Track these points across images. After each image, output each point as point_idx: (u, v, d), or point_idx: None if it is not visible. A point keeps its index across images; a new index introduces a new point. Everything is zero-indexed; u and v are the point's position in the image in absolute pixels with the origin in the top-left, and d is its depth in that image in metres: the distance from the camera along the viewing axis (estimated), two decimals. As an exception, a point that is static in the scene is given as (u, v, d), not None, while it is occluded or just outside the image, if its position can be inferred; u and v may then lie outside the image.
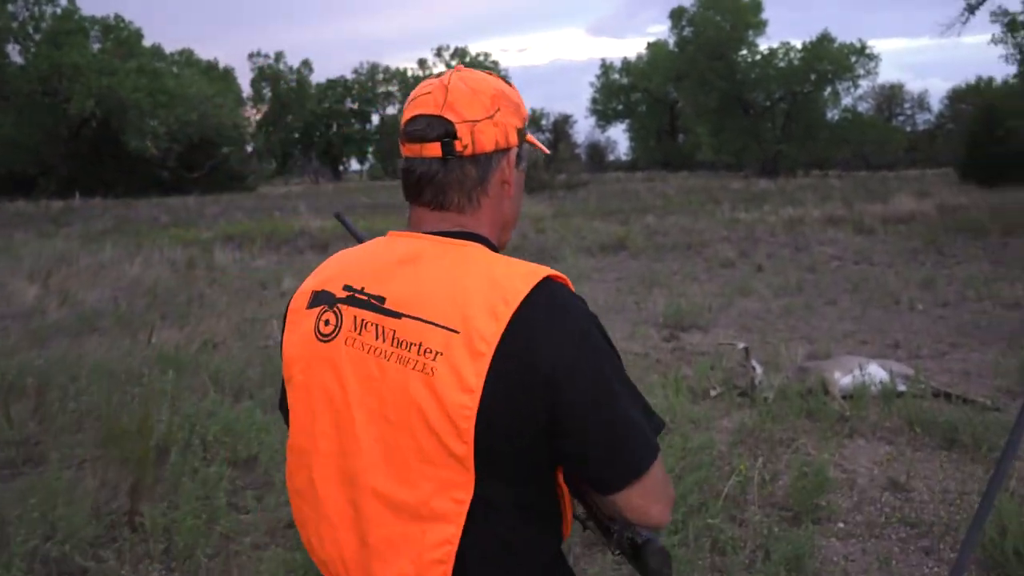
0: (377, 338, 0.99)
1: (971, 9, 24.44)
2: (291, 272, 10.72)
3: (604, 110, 55.69)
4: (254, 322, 7.39)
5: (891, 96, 53.19)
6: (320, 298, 1.06)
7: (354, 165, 69.57)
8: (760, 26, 37.23)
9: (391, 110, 60.98)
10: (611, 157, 61.49)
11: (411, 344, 0.95)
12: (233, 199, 28.37)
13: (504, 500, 0.97)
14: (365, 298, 1.02)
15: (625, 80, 53.72)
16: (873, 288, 8.94)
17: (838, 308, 8.39)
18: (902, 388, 4.59)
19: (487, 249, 1.03)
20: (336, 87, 59.84)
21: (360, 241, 1.20)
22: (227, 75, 52.36)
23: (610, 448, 0.96)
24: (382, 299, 1.00)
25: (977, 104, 28.13)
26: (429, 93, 1.04)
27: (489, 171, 1.05)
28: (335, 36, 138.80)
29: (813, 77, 36.39)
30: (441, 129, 1.02)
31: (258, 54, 57.11)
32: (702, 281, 10.45)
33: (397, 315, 0.98)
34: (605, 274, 11.41)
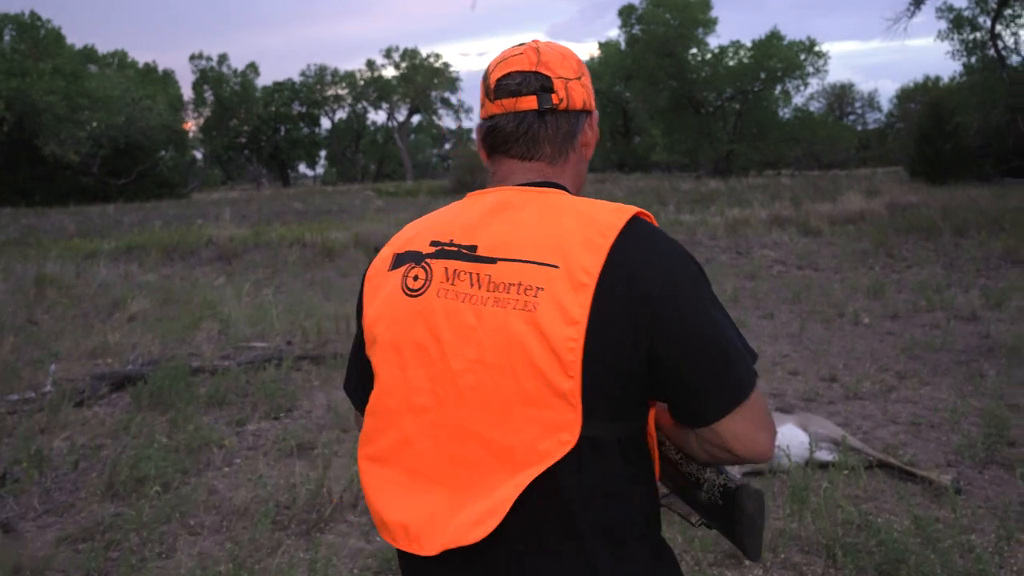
0: (472, 285, 0.98)
1: (917, 3, 24.05)
2: (149, 292, 9.37)
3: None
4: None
5: (841, 95, 53.29)
6: (404, 258, 1.06)
7: (304, 170, 67.91)
8: (710, 24, 36.67)
9: (341, 114, 59.45)
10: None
11: (509, 285, 0.95)
12: (158, 207, 26.78)
13: (607, 440, 0.96)
14: (455, 249, 1.01)
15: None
16: (816, 298, 7.97)
17: (774, 323, 7.41)
18: (827, 457, 3.52)
19: (571, 195, 1.04)
20: (283, 90, 57.92)
21: None
22: (166, 78, 50.42)
23: (714, 371, 0.94)
24: (474, 247, 1.00)
25: (925, 102, 27.83)
26: (521, 54, 1.07)
27: (577, 128, 1.09)
28: (282, 41, 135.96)
29: (763, 75, 35.95)
30: (538, 84, 1.05)
31: (200, 56, 55.02)
32: (630, 292, 9.42)
33: (491, 260, 0.98)
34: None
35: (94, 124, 29.82)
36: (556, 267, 0.93)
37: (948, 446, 3.85)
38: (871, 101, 54.80)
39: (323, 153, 62.63)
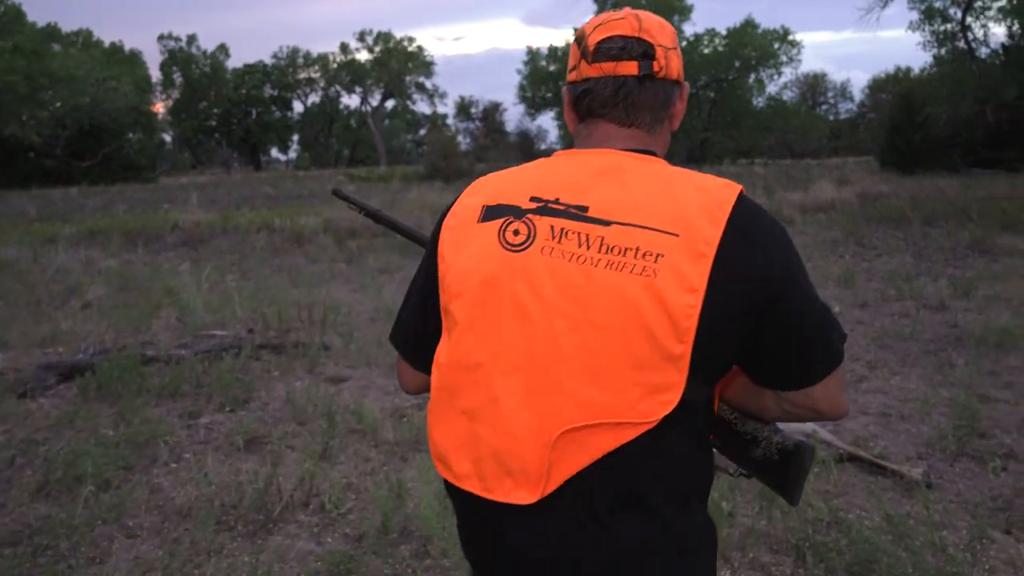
0: (580, 246, 0.98)
1: (890, -8, 24.14)
2: (108, 278, 9.08)
3: (533, 97, 54.53)
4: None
5: (814, 85, 53.62)
6: (499, 211, 1.04)
7: (276, 154, 66.96)
8: (685, 12, 36.64)
9: (314, 97, 58.59)
10: (543, 146, 60.64)
11: (625, 249, 0.95)
12: (124, 191, 26.17)
13: (699, 402, 0.99)
14: (562, 207, 1.01)
15: (553, 67, 52.66)
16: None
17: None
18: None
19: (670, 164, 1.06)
20: (254, 72, 56.90)
21: (367, 209, 1.49)
22: (133, 58, 49.23)
23: (818, 339, 0.99)
24: (584, 208, 1.00)
25: (896, 92, 28.04)
26: (622, 18, 1.06)
27: (672, 97, 1.09)
28: (253, 22, 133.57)
29: (738, 64, 36.03)
30: (640, 49, 1.04)
31: (169, 36, 53.81)
32: (602, 280, 9.31)
33: (605, 222, 0.98)
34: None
35: (57, 104, 29.02)
36: (676, 235, 0.95)
37: (919, 438, 3.79)
38: (843, 91, 55.30)
39: (296, 137, 61.76)
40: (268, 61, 57.30)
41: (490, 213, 1.05)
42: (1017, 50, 23.05)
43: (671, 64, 1.06)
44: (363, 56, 55.47)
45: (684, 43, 36.69)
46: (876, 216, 12.04)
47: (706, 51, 36.78)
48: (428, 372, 1.09)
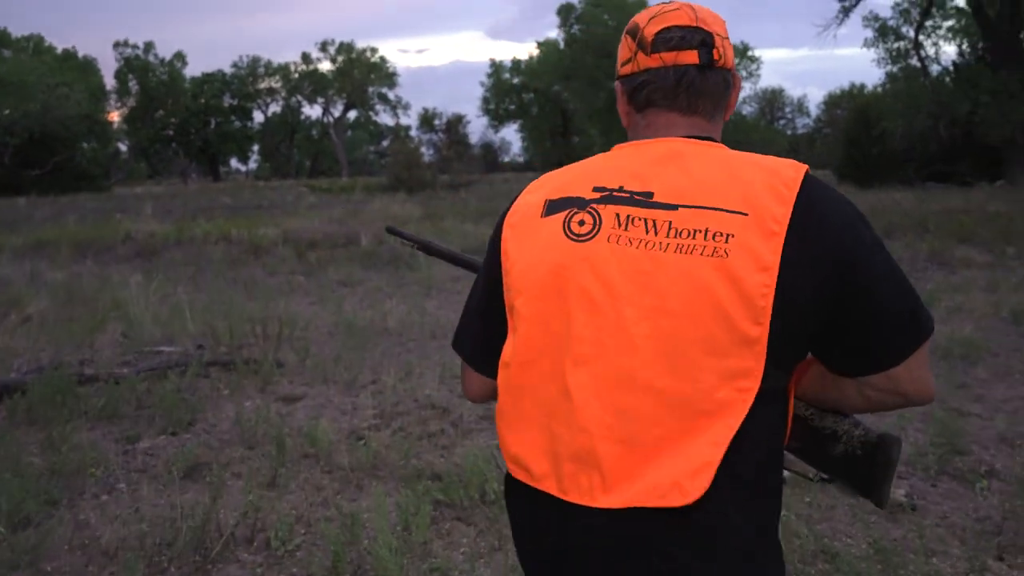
0: (648, 232, 0.96)
1: (845, 11, 24.65)
2: (53, 291, 8.64)
3: (496, 110, 54.55)
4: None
5: (772, 100, 54.56)
6: (562, 203, 1.03)
7: (236, 165, 65.90)
8: (647, 26, 36.93)
9: (274, 107, 57.79)
10: (506, 158, 60.70)
11: (694, 231, 0.94)
12: (75, 200, 25.33)
13: (776, 391, 0.96)
14: (627, 195, 1.00)
15: (516, 80, 52.79)
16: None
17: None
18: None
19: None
20: (213, 81, 55.98)
21: (420, 242, 1.49)
22: (87, 65, 48.08)
23: (902, 311, 0.95)
24: (649, 194, 0.99)
25: (852, 108, 28.60)
26: (678, 9, 1.06)
27: (729, 86, 1.09)
28: (212, 31, 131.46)
29: (699, 78, 36.44)
30: (699, 38, 1.04)
31: (125, 44, 52.68)
32: (567, 292, 9.14)
33: (671, 207, 0.97)
34: (461, 284, 9.93)
35: (5, 111, 28.02)
36: (745, 214, 0.93)
37: (897, 457, 3.66)
38: (800, 106, 56.36)
39: (256, 148, 60.85)
40: (228, 70, 56.50)
41: (553, 207, 1.04)
42: (967, 68, 23.67)
43: (727, 53, 1.06)
44: (325, 66, 54.99)
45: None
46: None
47: (668, 65, 37.14)
48: (493, 376, 1.08)
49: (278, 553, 2.73)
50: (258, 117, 58.22)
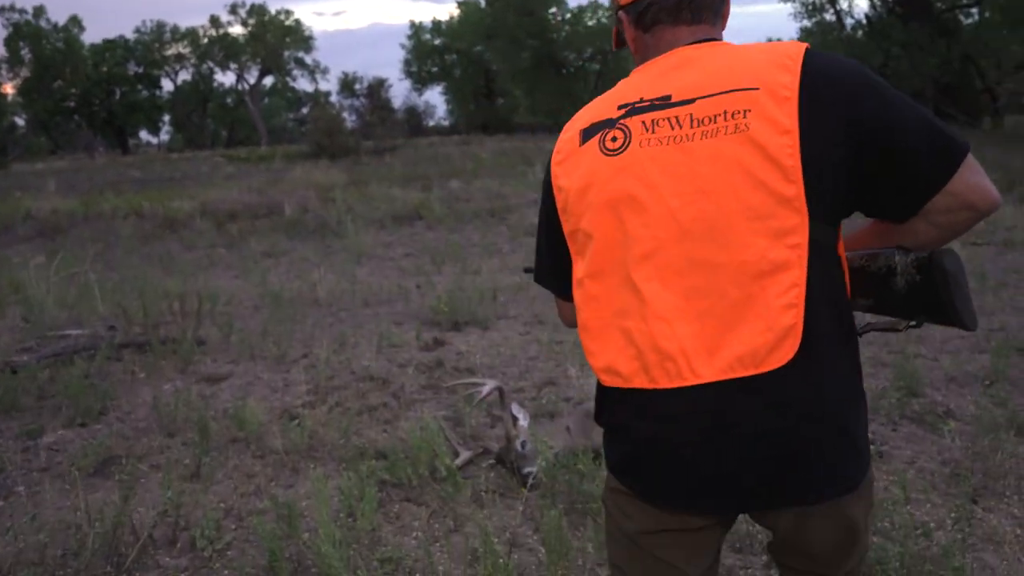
0: (673, 128, 1.05)
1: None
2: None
3: (419, 73, 53.23)
4: None
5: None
6: (594, 129, 1.12)
7: (146, 137, 62.64)
8: (568, -17, 36.50)
9: (184, 75, 54.91)
10: (431, 122, 59.65)
11: (714, 116, 1.02)
12: (-33, 179, 23.46)
13: (828, 242, 1.02)
14: (647, 103, 1.08)
15: (438, 41, 51.55)
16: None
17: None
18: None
19: None
20: (115, 48, 52.66)
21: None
22: (-27, 33, 44.55)
23: (929, 134, 1.00)
24: (667, 97, 1.07)
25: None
26: None
27: None
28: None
29: (622, 36, 36.36)
30: None
31: (12, 8, 49.00)
32: (503, 253, 8.89)
33: (689, 101, 1.05)
34: (392, 250, 9.56)
35: None
36: (756, 89, 1.01)
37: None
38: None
39: (166, 118, 57.90)
40: (130, 36, 53.26)
41: (587, 134, 1.13)
42: (880, 21, 24.20)
43: None
44: (236, 30, 52.41)
45: (568, 15, 36.68)
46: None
47: (590, 23, 36.87)
48: None
49: (205, 554, 2.41)
50: (167, 86, 55.25)
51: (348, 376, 4.34)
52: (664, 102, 1.06)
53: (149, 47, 53.28)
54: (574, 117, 1.19)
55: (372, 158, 23.85)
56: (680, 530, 1.09)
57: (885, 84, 1.02)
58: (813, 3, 27.34)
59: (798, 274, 0.96)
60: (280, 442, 3.26)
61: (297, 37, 52.91)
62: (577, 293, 1.11)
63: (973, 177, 1.00)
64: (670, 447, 1.03)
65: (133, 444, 3.40)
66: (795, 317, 0.96)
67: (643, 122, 1.06)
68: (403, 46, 52.94)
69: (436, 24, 51.75)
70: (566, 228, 1.13)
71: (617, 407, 1.09)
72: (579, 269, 1.11)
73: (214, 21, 52.71)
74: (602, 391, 1.13)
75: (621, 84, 1.16)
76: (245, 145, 47.45)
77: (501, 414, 3.04)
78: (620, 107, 1.10)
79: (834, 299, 1.02)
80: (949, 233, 1.06)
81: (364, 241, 9.85)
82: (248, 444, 3.34)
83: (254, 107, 51.97)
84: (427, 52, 52.02)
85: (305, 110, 58.10)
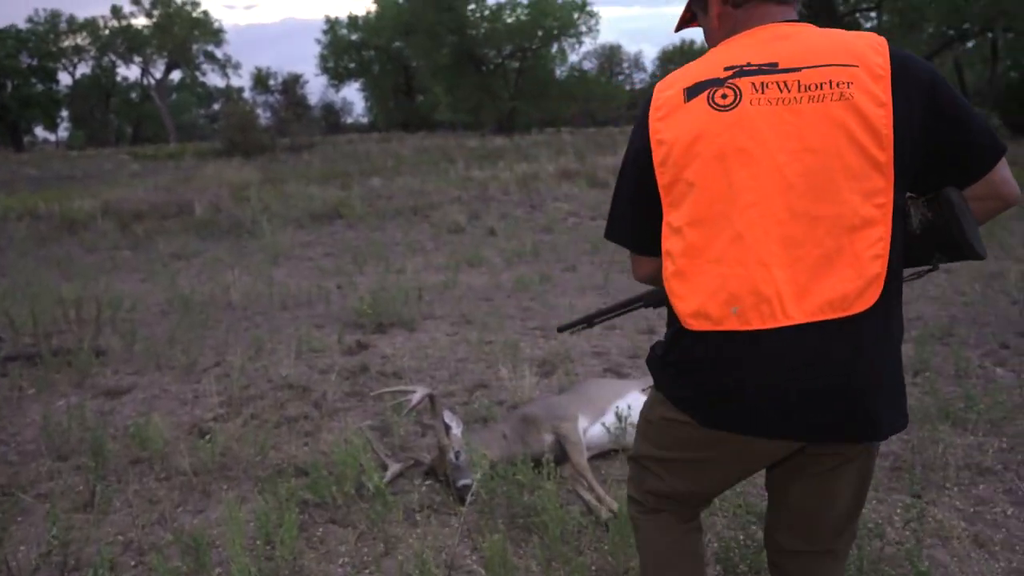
0: (781, 91, 1.18)
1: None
2: None
3: (336, 69, 52.01)
4: None
5: (611, 56, 55.83)
6: (700, 87, 1.22)
7: (43, 134, 59.06)
8: (487, -21, 36.27)
9: (84, 68, 51.98)
10: (349, 119, 58.49)
11: (820, 83, 1.17)
12: None
13: (900, 207, 1.18)
14: (755, 67, 1.21)
15: (355, 37, 50.48)
16: (614, 248, 7.71)
17: (578, 275, 7.08)
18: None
19: None
20: (5, 39, 49.37)
21: (592, 317, 1.62)
22: None
23: (981, 128, 1.19)
24: (774, 63, 1.20)
25: (681, 63, 29.74)
26: None
27: None
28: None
29: (540, 33, 36.41)
30: None
31: None
32: (427, 251, 8.66)
33: (795, 69, 1.18)
34: (311, 249, 9.19)
35: None
36: (856, 66, 1.16)
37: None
38: (637, 63, 58.19)
39: (65, 113, 54.79)
40: (23, 26, 50.02)
41: (693, 91, 1.22)
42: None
43: None
44: (141, 21, 50.01)
45: (487, 12, 36.54)
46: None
47: (509, 20, 36.81)
48: (655, 255, 1.27)
49: (100, 596, 2.13)
50: (65, 79, 52.24)
51: (265, 385, 4.05)
52: (772, 67, 1.19)
53: (43, 38, 50.26)
54: (669, 78, 1.27)
55: (288, 156, 23.11)
56: (730, 454, 1.26)
57: (950, 83, 1.19)
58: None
59: (884, 230, 1.12)
60: (188, 462, 2.97)
61: (206, 30, 50.90)
62: (672, 241, 1.20)
63: (1006, 173, 1.21)
64: (757, 383, 1.16)
65: (18, 471, 3.04)
66: (881, 267, 1.13)
67: (753, 83, 1.18)
68: (319, 41, 51.52)
69: (352, 19, 50.69)
70: (662, 180, 1.22)
71: (697, 346, 1.20)
72: (676, 218, 1.20)
73: (115, 11, 50.05)
74: (678, 332, 1.23)
75: (717, 52, 1.26)
76: (152, 143, 45.33)
77: (432, 422, 2.84)
78: (727, 68, 1.21)
79: (901, 254, 1.18)
80: (980, 218, 1.23)
81: (281, 241, 9.44)
82: (151, 465, 3.03)
83: (161, 102, 49.72)
84: (344, 48, 50.92)
85: (217, 106, 55.98)
